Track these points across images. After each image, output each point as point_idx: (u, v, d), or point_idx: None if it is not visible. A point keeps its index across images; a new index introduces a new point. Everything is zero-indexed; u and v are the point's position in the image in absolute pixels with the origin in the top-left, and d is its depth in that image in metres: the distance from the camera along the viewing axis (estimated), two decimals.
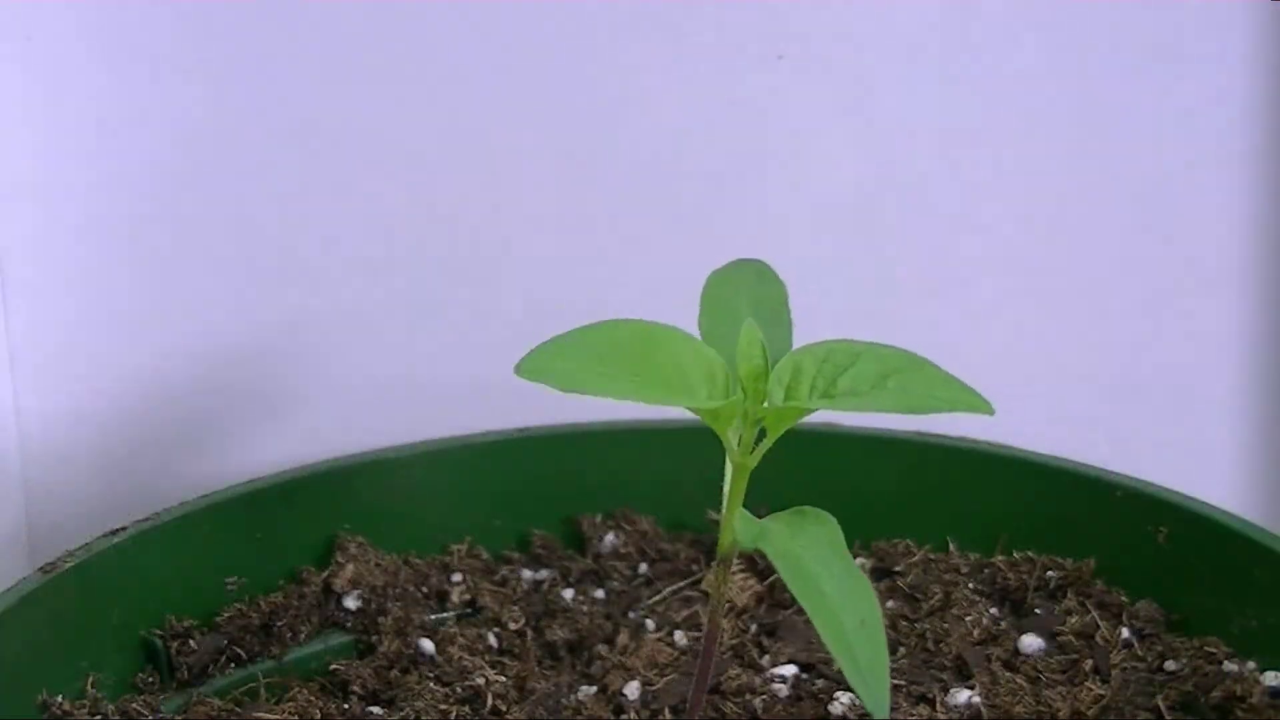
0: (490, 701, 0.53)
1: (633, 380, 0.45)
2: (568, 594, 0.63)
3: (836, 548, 0.42)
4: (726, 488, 0.46)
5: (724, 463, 0.47)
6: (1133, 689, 0.53)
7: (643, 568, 0.64)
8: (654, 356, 0.46)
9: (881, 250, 0.73)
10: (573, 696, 0.55)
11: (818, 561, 0.41)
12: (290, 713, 0.53)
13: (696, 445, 0.65)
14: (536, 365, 0.44)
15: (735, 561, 0.62)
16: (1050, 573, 0.61)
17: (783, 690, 0.55)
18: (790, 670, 0.56)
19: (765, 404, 0.46)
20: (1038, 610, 0.59)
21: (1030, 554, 0.62)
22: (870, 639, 0.39)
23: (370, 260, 0.69)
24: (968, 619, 0.57)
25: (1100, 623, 0.57)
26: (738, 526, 0.45)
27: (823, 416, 0.66)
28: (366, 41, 0.67)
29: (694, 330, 0.48)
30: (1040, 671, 0.55)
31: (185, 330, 0.69)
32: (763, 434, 0.46)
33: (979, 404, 0.44)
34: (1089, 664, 0.55)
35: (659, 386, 0.45)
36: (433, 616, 0.61)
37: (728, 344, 0.48)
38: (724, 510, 0.46)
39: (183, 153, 0.67)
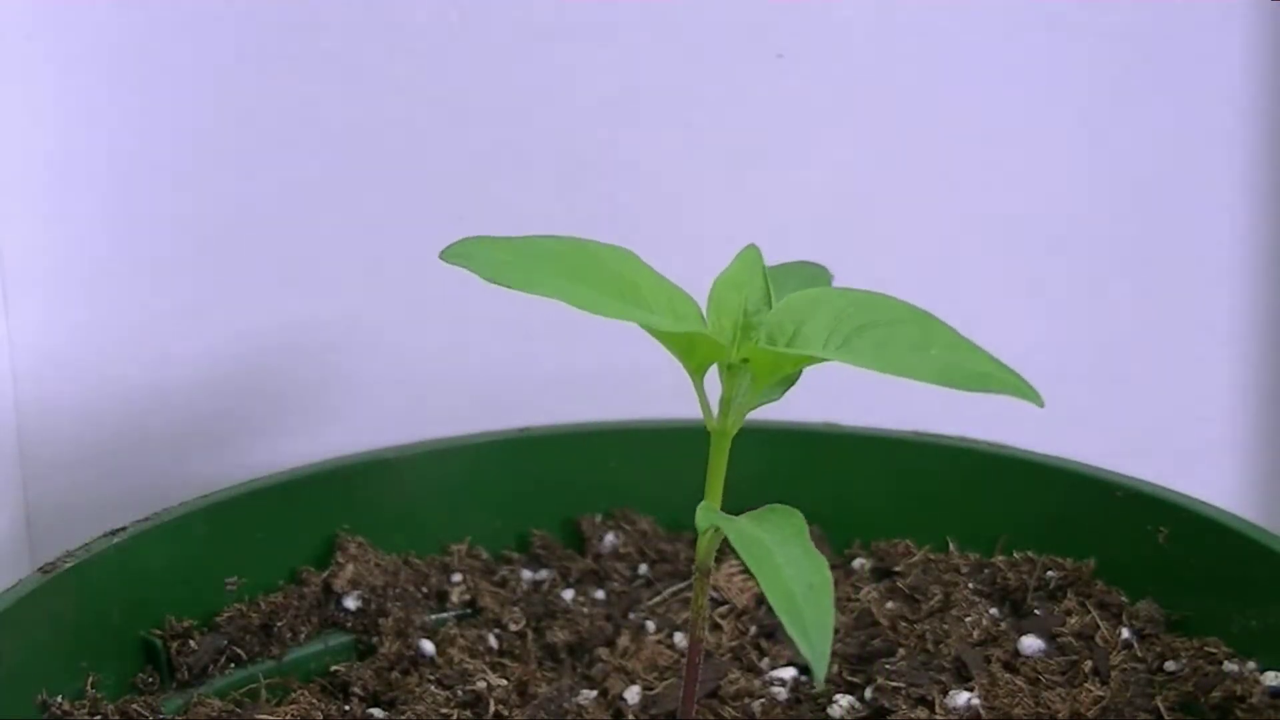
0: (492, 706, 0.53)
1: (573, 282, 0.41)
2: (568, 594, 0.63)
3: (798, 534, 0.41)
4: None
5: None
6: (1132, 690, 0.53)
7: (643, 568, 0.64)
8: (602, 269, 0.42)
9: (880, 249, 0.72)
10: (573, 700, 0.55)
11: (775, 541, 0.40)
12: (291, 714, 0.53)
13: (696, 445, 0.65)
14: (462, 250, 0.41)
15: (735, 563, 0.62)
16: (1050, 573, 0.61)
17: (781, 693, 0.55)
18: (789, 673, 0.56)
19: (759, 342, 0.42)
20: (1037, 611, 0.59)
21: (1030, 554, 0.62)
22: (817, 601, 0.38)
23: (371, 261, 0.69)
24: (967, 620, 0.57)
25: (1100, 623, 0.57)
26: (699, 514, 0.42)
27: (823, 414, 0.66)
28: (370, 44, 0.67)
29: None
30: (1040, 673, 0.55)
31: (186, 330, 0.69)
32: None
33: (1028, 392, 0.40)
34: (1089, 665, 0.55)
35: (605, 296, 0.41)
36: (432, 617, 0.61)
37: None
38: (706, 486, 0.44)
39: (184, 153, 0.67)
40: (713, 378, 0.44)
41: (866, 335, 0.41)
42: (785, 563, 0.39)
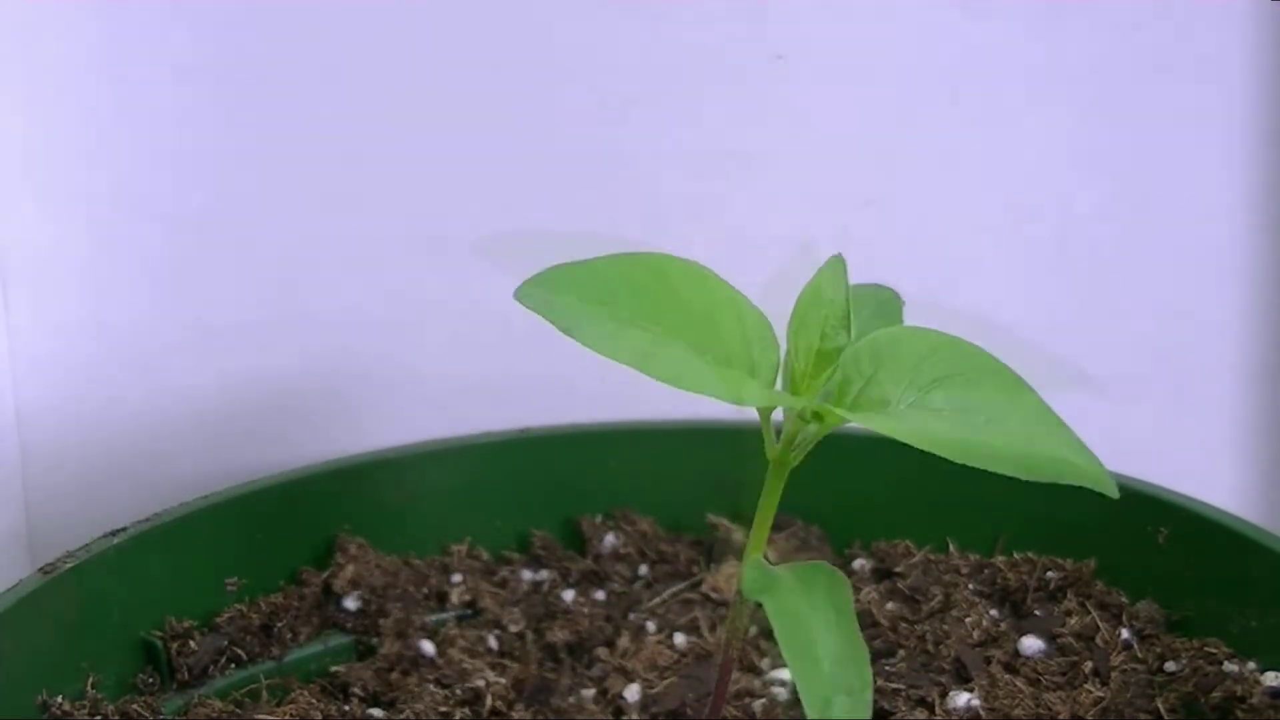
0: (491, 704, 0.53)
1: (651, 331, 0.38)
2: (568, 595, 0.63)
3: (844, 612, 0.39)
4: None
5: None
6: (1132, 691, 0.53)
7: (643, 569, 0.64)
8: (680, 306, 0.39)
9: (879, 250, 0.72)
10: (571, 699, 0.55)
11: (820, 625, 0.38)
12: (291, 715, 0.53)
13: (697, 446, 0.65)
14: (537, 295, 0.38)
15: (730, 560, 0.62)
16: (1050, 573, 0.60)
17: (782, 694, 0.55)
18: (790, 674, 0.56)
19: (833, 380, 0.40)
20: (1037, 612, 0.58)
21: (1030, 555, 0.62)
22: (853, 709, 0.36)
23: (371, 260, 0.69)
24: (968, 620, 0.57)
25: (1100, 624, 0.57)
26: (747, 575, 0.40)
27: None
28: (373, 45, 0.67)
29: None
30: (1040, 674, 0.55)
31: (185, 330, 0.69)
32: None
33: (1106, 483, 0.39)
34: (1089, 666, 0.55)
35: (687, 351, 0.38)
36: (432, 617, 0.61)
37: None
38: (754, 522, 0.42)
39: (184, 153, 0.67)
40: None
41: (947, 391, 0.39)
42: (825, 657, 0.37)
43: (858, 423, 0.39)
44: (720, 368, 0.39)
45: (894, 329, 0.41)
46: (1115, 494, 0.38)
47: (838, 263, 0.41)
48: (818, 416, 0.40)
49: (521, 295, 0.39)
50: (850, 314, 0.41)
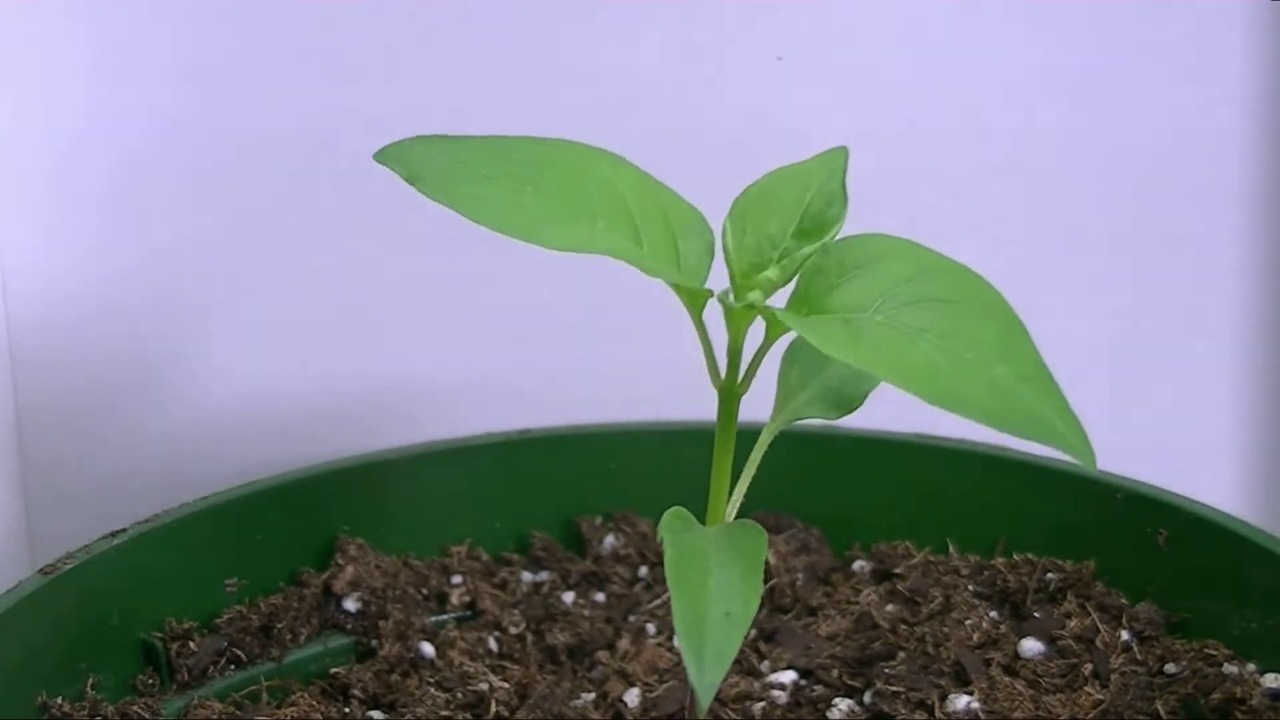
0: (493, 708, 0.53)
1: (524, 195, 0.33)
2: (568, 597, 0.63)
3: (748, 557, 0.36)
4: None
5: None
6: (1132, 693, 0.53)
7: (643, 571, 0.64)
8: (570, 175, 0.34)
9: None
10: (573, 703, 0.55)
11: (720, 562, 0.35)
12: (291, 717, 0.53)
13: (697, 446, 0.65)
14: (397, 151, 0.34)
15: None
16: (1050, 575, 0.60)
17: (781, 697, 0.54)
18: (789, 676, 0.56)
19: (795, 273, 0.34)
20: (1037, 614, 0.58)
21: (1030, 556, 0.62)
22: (727, 631, 0.34)
23: (369, 261, 0.69)
24: (967, 622, 0.57)
25: (1100, 626, 0.57)
26: (663, 520, 0.37)
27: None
28: (371, 47, 0.67)
29: None
30: (1040, 676, 0.55)
31: (186, 331, 0.69)
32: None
33: (1082, 449, 0.34)
34: (1088, 668, 0.54)
35: (554, 212, 0.33)
36: (432, 619, 0.61)
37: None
38: (712, 477, 0.38)
39: (184, 154, 0.67)
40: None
41: (934, 313, 0.33)
42: (716, 584, 0.35)
43: (802, 331, 0.34)
44: (610, 231, 0.33)
45: (892, 237, 0.35)
46: (1094, 464, 0.34)
47: (839, 152, 0.35)
48: (748, 309, 0.34)
49: (380, 155, 0.35)
50: (845, 198, 0.33)
